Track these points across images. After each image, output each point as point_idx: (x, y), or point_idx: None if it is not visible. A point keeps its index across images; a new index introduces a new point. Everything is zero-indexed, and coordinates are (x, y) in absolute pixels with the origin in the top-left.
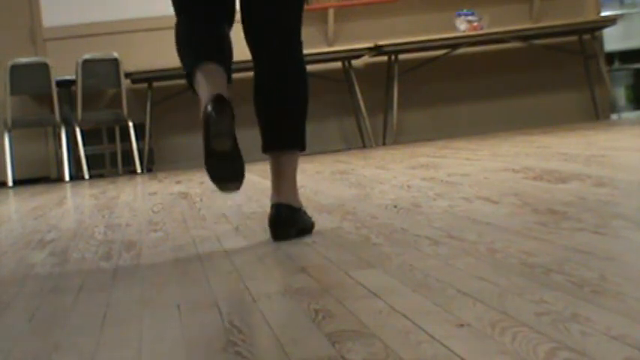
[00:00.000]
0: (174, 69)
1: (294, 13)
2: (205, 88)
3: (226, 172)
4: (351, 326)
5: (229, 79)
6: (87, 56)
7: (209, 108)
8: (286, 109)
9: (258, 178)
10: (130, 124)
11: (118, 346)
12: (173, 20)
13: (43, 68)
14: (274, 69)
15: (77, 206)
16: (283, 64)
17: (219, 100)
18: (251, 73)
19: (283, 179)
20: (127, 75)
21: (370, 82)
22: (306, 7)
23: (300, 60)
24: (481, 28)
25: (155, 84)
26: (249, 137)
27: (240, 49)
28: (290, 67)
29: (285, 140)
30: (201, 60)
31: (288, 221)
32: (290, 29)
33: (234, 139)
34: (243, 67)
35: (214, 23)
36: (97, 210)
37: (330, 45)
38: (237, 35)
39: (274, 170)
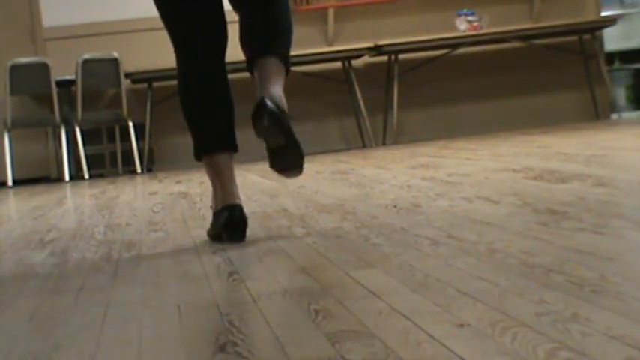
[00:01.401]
0: (174, 69)
1: None
2: (222, 189)
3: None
4: (351, 326)
5: (235, 149)
6: (87, 56)
7: (226, 219)
8: (270, 23)
9: (258, 178)
10: (130, 124)
11: (118, 346)
12: None
13: (43, 68)
14: (257, 9)
15: (77, 206)
16: (271, 6)
17: (236, 212)
18: (246, 74)
19: (270, 82)
20: (127, 75)
21: (370, 82)
22: (306, 7)
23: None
24: (481, 28)
25: (155, 84)
26: (248, 137)
27: (237, 50)
28: (278, 7)
29: (270, 46)
30: (213, 149)
31: (274, 113)
32: None
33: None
34: (242, 67)
35: (215, 59)
36: (97, 210)
37: (330, 45)
38: (233, 36)
39: (260, 76)
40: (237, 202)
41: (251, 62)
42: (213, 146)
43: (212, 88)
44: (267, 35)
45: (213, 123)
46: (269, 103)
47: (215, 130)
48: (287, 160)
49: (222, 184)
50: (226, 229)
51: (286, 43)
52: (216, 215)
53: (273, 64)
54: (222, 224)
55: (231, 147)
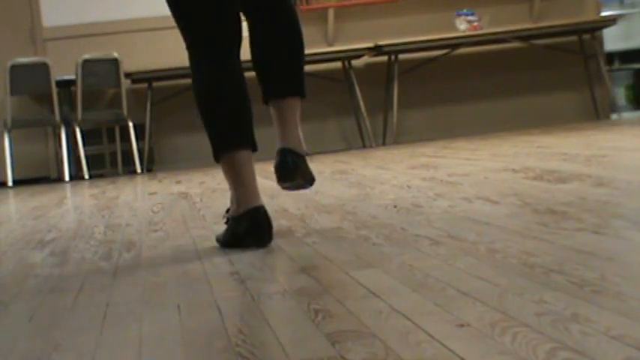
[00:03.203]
0: (174, 69)
1: None
2: (244, 190)
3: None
4: (351, 326)
5: (255, 147)
6: (87, 56)
7: (252, 223)
8: (287, 57)
9: (258, 178)
10: (130, 124)
11: (118, 346)
12: (173, 20)
13: (43, 68)
14: (271, 20)
15: (77, 206)
16: (281, 18)
17: (262, 216)
18: (252, 73)
19: (288, 126)
20: (127, 75)
21: (370, 82)
22: (306, 7)
23: (294, 10)
24: (481, 28)
25: (155, 84)
26: None
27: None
28: (287, 19)
29: (288, 86)
30: (234, 146)
31: (294, 166)
32: None
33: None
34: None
35: (232, 58)
36: (97, 210)
37: (330, 45)
38: None
39: (278, 118)
40: (261, 203)
41: (267, 96)
42: (234, 143)
43: (230, 85)
44: (280, 62)
45: (233, 120)
46: (290, 158)
47: (235, 127)
48: (298, 188)
49: (244, 184)
50: (251, 234)
51: (299, 65)
52: (236, 220)
53: (292, 104)
54: (245, 229)
55: (251, 144)
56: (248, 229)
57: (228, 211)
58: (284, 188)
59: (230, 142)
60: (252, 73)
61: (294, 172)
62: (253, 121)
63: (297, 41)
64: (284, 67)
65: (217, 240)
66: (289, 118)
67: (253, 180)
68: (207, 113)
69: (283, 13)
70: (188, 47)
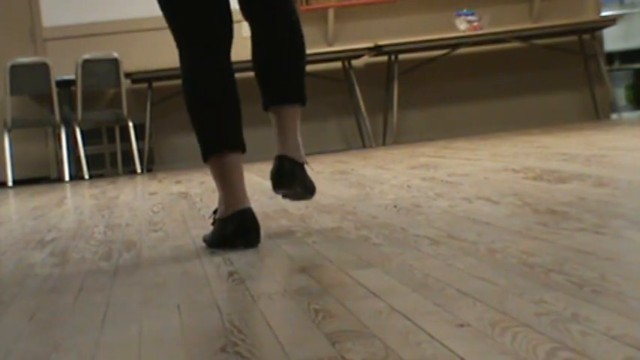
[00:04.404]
0: (174, 69)
1: None
2: (232, 191)
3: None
4: (351, 326)
5: (244, 148)
6: (87, 56)
7: (238, 225)
8: (288, 63)
9: (258, 178)
10: (130, 124)
11: (118, 346)
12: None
13: (43, 68)
14: (273, 26)
15: (77, 206)
16: (282, 19)
17: (249, 218)
18: (250, 74)
19: (287, 133)
20: (127, 75)
21: (370, 82)
22: (306, 7)
23: (295, 12)
24: (481, 28)
25: (155, 84)
26: (248, 137)
27: (239, 49)
28: (288, 21)
29: (288, 94)
30: (222, 148)
31: (291, 173)
32: None
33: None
34: (242, 67)
35: (223, 58)
36: (97, 210)
37: (330, 45)
38: (235, 35)
39: (278, 125)
40: (248, 205)
41: (267, 103)
42: (223, 145)
43: (219, 85)
44: (282, 69)
45: (222, 121)
46: (287, 165)
47: (223, 129)
48: (298, 198)
49: (232, 185)
50: (240, 235)
51: (301, 72)
52: (224, 221)
53: (292, 112)
54: (233, 230)
55: (240, 146)
56: (235, 230)
57: (215, 212)
58: (283, 197)
59: (218, 144)
60: (250, 74)
61: (290, 179)
62: (242, 122)
63: (297, 42)
64: (284, 70)
65: (204, 240)
66: (288, 126)
67: (241, 182)
68: (195, 114)
69: (285, 14)
70: (179, 47)
